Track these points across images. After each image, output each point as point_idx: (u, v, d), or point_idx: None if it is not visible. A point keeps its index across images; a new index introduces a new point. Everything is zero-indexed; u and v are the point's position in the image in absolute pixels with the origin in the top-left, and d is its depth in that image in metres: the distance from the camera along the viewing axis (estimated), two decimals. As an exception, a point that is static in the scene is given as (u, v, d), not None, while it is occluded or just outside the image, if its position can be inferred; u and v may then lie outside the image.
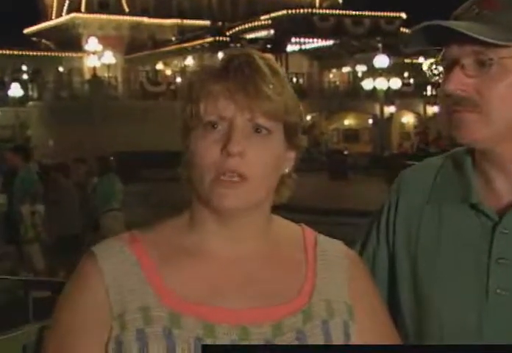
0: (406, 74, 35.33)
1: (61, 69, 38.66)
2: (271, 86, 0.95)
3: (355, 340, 0.99)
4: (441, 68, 1.08)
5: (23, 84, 34.09)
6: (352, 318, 1.00)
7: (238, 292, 0.98)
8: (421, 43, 1.07)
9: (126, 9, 41.77)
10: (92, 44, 35.16)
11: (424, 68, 25.43)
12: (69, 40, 39.65)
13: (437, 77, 1.08)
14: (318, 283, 1.01)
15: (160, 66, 39.10)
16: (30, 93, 34.66)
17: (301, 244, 1.06)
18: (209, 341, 0.93)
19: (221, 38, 35.04)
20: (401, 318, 1.16)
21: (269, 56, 1.01)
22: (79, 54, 38.73)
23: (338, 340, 0.98)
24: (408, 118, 36.35)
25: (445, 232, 1.13)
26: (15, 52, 36.82)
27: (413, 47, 1.08)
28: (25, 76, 36.18)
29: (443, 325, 1.09)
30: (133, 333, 0.93)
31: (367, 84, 29.84)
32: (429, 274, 1.12)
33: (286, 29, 35.24)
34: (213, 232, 1.00)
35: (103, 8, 40.87)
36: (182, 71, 36.66)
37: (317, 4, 42.87)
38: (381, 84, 27.51)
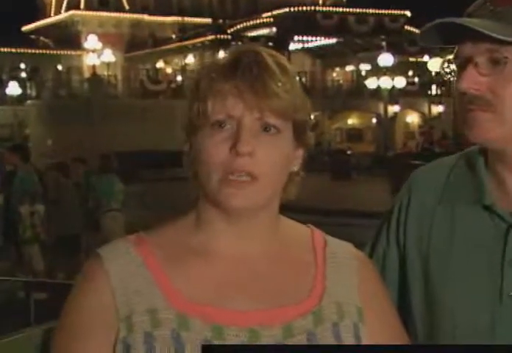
0: (410, 73, 35.32)
1: (60, 67, 38.69)
2: (279, 84, 0.95)
3: (365, 342, 0.99)
4: (453, 66, 1.08)
5: (22, 83, 34.12)
6: (362, 320, 1.00)
7: (247, 293, 0.98)
8: (433, 40, 1.07)
9: (126, 7, 41.80)
10: (91, 42, 35.18)
11: (430, 66, 25.39)
12: (68, 37, 39.68)
13: (449, 75, 1.07)
14: (328, 285, 1.01)
15: (160, 64, 39.12)
16: (28, 91, 34.69)
17: (309, 245, 1.05)
18: (217, 343, 0.93)
19: (222, 36, 35.04)
20: (411, 319, 1.16)
21: (278, 53, 1.01)
22: (78, 52, 38.75)
23: (348, 342, 0.98)
24: (413, 118, 36.33)
25: (457, 233, 1.12)
26: (13, 50, 36.85)
27: (425, 44, 1.08)
28: (23, 75, 36.21)
29: (455, 326, 1.09)
30: (141, 335, 0.93)
31: (371, 83, 29.84)
32: (441, 275, 1.12)
33: (288, 27, 35.24)
34: (221, 232, 1.00)
35: (103, 5, 40.89)
36: (183, 70, 36.68)
37: (320, 2, 42.84)
38: (385, 83, 27.50)
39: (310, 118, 1.02)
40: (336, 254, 1.05)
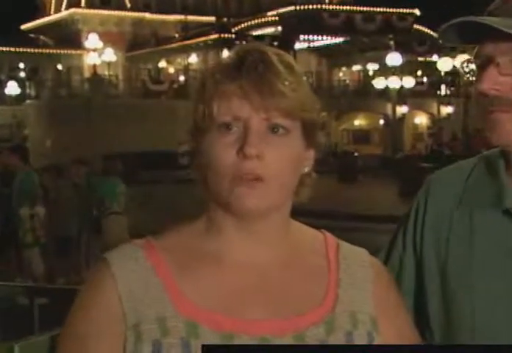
0: (419, 73, 35.30)
1: (60, 67, 38.75)
2: (286, 83, 0.94)
3: None
4: (472, 66, 1.07)
5: (21, 83, 34.24)
6: (376, 329, 1.00)
7: (258, 301, 0.97)
8: (453, 39, 1.06)
9: (128, 5, 41.85)
10: (92, 41, 35.24)
11: (439, 66, 25.40)
12: (68, 36, 39.74)
13: (468, 75, 1.07)
14: (341, 293, 1.00)
15: (162, 64, 39.14)
16: (27, 91, 34.77)
17: (323, 251, 1.05)
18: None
19: (226, 35, 35.05)
20: (428, 326, 1.15)
21: (283, 52, 1.01)
22: (79, 51, 38.80)
23: None
24: (421, 119, 36.29)
25: (477, 237, 1.12)
26: (12, 49, 36.92)
27: (446, 43, 1.08)
28: (22, 74, 36.32)
29: (474, 331, 1.09)
30: (149, 344, 0.93)
31: (378, 83, 29.88)
32: (460, 279, 1.11)
33: (294, 26, 35.24)
34: (232, 237, 0.99)
35: (104, 3, 40.92)
36: (186, 69, 36.71)
37: (326, 0, 42.83)
38: (393, 83, 27.55)
39: (320, 117, 1.01)
40: (350, 261, 1.04)
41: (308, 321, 0.96)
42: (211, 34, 35.82)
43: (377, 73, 33.19)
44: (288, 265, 1.01)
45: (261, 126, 0.94)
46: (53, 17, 42.99)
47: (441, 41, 1.06)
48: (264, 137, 0.94)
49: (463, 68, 1.07)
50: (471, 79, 1.07)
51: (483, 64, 1.04)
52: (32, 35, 42.97)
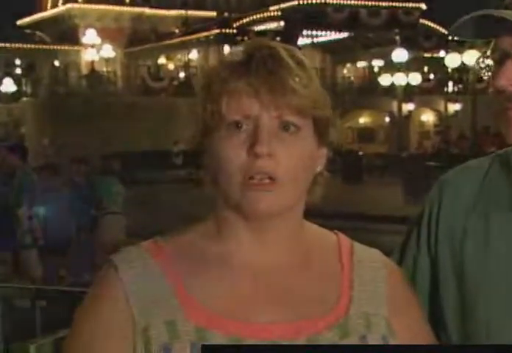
0: (426, 69, 35.25)
1: (57, 63, 38.75)
2: (297, 79, 0.94)
3: None
4: (488, 61, 1.07)
5: (17, 80, 34.23)
6: (391, 332, 0.99)
7: (269, 304, 0.97)
8: (468, 33, 1.06)
9: None
10: (90, 36, 35.26)
11: (446, 62, 25.35)
12: (65, 32, 39.73)
13: (484, 71, 1.07)
14: (355, 295, 1.00)
15: (162, 60, 39.14)
16: (24, 88, 34.75)
17: (336, 252, 1.04)
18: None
19: (227, 30, 35.05)
20: (444, 327, 1.15)
21: (293, 47, 1.00)
22: (76, 48, 38.80)
23: None
24: (428, 116, 36.22)
25: (493, 238, 1.12)
26: (8, 45, 36.92)
27: (460, 38, 1.07)
28: (18, 71, 36.32)
29: (489, 335, 1.09)
30: (158, 348, 0.93)
31: (384, 79, 29.85)
32: (476, 279, 1.11)
33: (297, 21, 35.23)
34: (242, 239, 0.99)
35: (102, -2, 40.93)
36: (186, 66, 36.71)
37: (330, -6, 42.76)
38: (399, 79, 27.52)
39: (331, 114, 1.00)
40: (363, 262, 1.04)
41: (321, 325, 0.96)
42: (212, 29, 35.80)
43: (382, 70, 33.14)
44: (301, 268, 1.01)
45: (272, 123, 0.93)
46: (50, 12, 42.97)
47: (455, 36, 1.06)
48: (275, 135, 0.93)
49: (478, 63, 1.06)
50: (486, 74, 1.07)
51: (500, 59, 1.04)
52: (28, 31, 42.96)
